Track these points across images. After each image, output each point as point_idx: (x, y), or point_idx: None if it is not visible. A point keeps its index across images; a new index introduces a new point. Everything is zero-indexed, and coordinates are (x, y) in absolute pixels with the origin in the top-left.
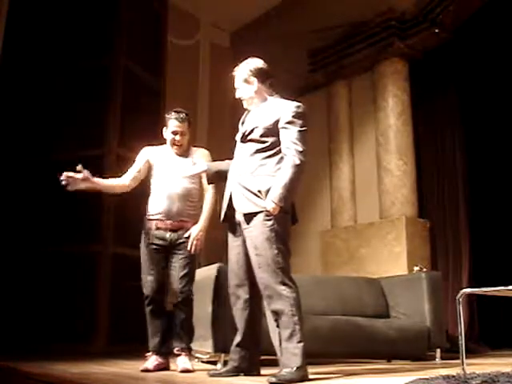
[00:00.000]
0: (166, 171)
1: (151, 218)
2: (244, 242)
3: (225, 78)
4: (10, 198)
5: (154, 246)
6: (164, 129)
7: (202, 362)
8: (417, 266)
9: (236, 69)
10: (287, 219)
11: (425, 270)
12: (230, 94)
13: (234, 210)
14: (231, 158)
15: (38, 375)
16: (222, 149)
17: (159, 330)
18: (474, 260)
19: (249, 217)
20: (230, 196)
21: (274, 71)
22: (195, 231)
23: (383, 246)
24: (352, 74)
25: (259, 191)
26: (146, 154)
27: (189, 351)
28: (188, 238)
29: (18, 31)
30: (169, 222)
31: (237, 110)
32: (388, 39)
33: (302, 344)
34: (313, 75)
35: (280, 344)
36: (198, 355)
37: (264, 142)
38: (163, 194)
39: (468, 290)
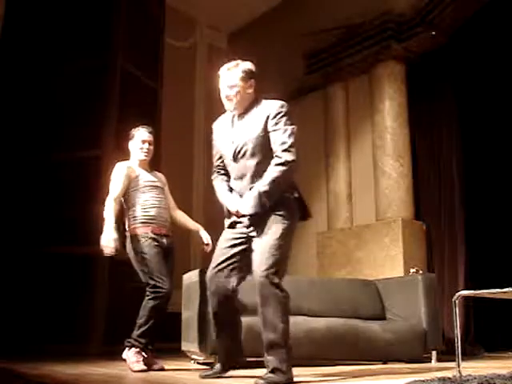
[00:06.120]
0: (145, 183)
1: (145, 222)
2: (240, 244)
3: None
4: (8, 199)
5: (159, 249)
6: (130, 142)
7: (198, 363)
8: (413, 268)
9: (227, 67)
10: (288, 220)
11: (421, 272)
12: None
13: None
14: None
15: (33, 376)
16: None
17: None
18: (470, 262)
19: (252, 218)
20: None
21: (271, 73)
22: (206, 234)
23: (379, 248)
24: (349, 76)
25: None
26: (125, 171)
27: (129, 344)
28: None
29: (16, 32)
30: (163, 229)
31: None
32: (385, 41)
33: (285, 349)
34: (309, 77)
35: (266, 346)
36: (194, 357)
37: (257, 157)
38: (150, 203)
39: (464, 293)
